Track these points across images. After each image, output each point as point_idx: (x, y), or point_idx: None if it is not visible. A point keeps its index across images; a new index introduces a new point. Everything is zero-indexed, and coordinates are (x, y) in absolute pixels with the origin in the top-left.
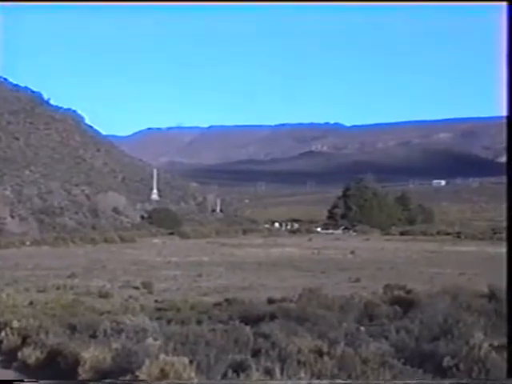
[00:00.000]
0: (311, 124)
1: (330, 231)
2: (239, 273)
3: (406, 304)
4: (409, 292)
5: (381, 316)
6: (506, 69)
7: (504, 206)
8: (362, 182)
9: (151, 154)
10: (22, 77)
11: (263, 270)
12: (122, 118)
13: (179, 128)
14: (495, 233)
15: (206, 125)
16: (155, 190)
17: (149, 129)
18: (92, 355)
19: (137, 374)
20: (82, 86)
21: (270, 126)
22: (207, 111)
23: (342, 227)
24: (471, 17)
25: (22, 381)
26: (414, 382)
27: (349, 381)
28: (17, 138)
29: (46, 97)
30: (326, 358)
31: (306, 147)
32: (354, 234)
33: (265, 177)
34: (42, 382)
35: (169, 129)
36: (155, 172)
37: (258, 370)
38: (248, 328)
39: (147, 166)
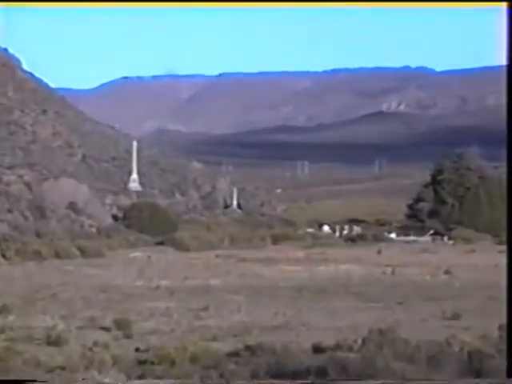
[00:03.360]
0: (380, 69)
1: (412, 238)
2: (268, 304)
3: None
4: None
5: (495, 373)
6: (507, 66)
7: None
8: (462, 159)
9: (129, 117)
10: None
11: (305, 300)
12: (83, 63)
13: (172, 77)
14: None
15: (214, 72)
16: (135, 175)
17: (124, 78)
18: None
19: None
20: (19, 15)
21: (315, 73)
22: (216, 52)
23: (431, 232)
24: None
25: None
26: None
27: None
28: None
29: None
30: None
31: (372, 106)
32: (451, 242)
33: (308, 153)
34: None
35: (156, 78)
36: (135, 146)
37: None
38: None
39: (122, 137)
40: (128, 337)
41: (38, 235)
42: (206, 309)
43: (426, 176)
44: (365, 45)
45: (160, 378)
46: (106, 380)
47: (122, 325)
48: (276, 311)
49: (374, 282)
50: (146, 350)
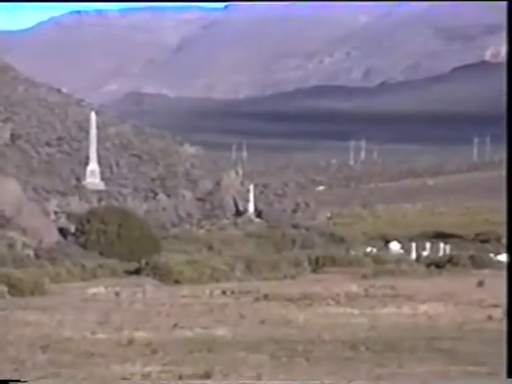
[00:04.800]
0: None
1: None
2: (304, 368)
3: None
4: None
5: None
6: (507, 63)
7: None
8: None
9: (84, 74)
10: None
11: (363, 362)
12: None
13: (152, 11)
14: None
15: (217, 3)
16: (94, 166)
17: (77, 13)
18: None
19: None
20: None
21: (377, 4)
22: None
23: None
24: None
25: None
26: None
27: None
28: None
29: None
30: None
31: (468, 53)
32: None
33: (365, 128)
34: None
35: (125, 13)
36: (93, 119)
37: None
38: None
39: (74, 106)
40: None
41: None
42: (207, 375)
43: None
44: None
45: None
46: None
47: None
48: (317, 379)
49: (473, 333)
50: None
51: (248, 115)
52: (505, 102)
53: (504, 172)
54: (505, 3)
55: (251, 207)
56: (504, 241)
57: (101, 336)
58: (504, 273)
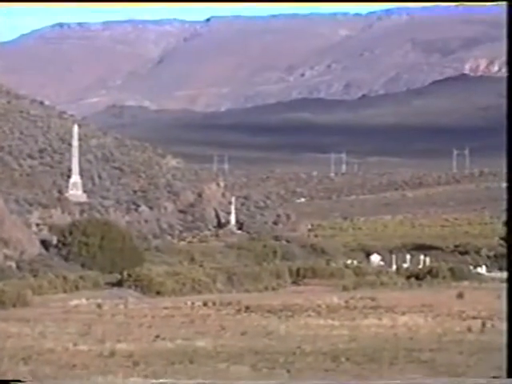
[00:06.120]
0: (463, 12)
1: None
2: (285, 379)
3: None
4: None
5: None
6: (507, 64)
7: None
8: None
9: (66, 86)
10: None
11: (344, 373)
12: None
13: (134, 24)
14: None
15: (199, 17)
16: (76, 178)
17: (60, 25)
18: None
19: None
20: None
21: (358, 16)
22: None
23: None
24: None
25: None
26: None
27: None
28: None
29: None
30: None
31: (448, 66)
32: None
33: (346, 141)
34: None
35: (107, 25)
36: (76, 132)
37: None
38: None
39: (56, 118)
40: None
41: None
42: None
43: None
44: None
45: None
46: None
47: None
48: None
49: (452, 344)
50: None
51: (229, 128)
52: (505, 103)
53: (502, 184)
54: (504, 3)
55: (233, 219)
56: (483, 252)
57: (82, 347)
58: (483, 285)
